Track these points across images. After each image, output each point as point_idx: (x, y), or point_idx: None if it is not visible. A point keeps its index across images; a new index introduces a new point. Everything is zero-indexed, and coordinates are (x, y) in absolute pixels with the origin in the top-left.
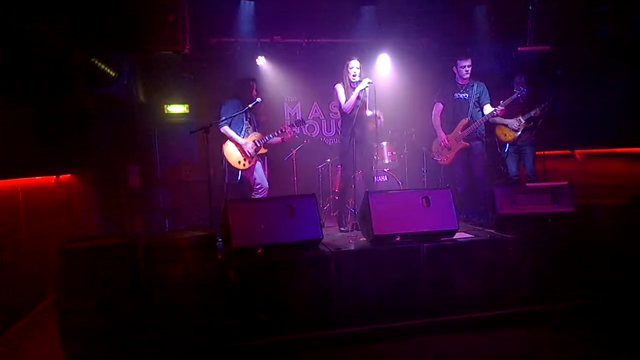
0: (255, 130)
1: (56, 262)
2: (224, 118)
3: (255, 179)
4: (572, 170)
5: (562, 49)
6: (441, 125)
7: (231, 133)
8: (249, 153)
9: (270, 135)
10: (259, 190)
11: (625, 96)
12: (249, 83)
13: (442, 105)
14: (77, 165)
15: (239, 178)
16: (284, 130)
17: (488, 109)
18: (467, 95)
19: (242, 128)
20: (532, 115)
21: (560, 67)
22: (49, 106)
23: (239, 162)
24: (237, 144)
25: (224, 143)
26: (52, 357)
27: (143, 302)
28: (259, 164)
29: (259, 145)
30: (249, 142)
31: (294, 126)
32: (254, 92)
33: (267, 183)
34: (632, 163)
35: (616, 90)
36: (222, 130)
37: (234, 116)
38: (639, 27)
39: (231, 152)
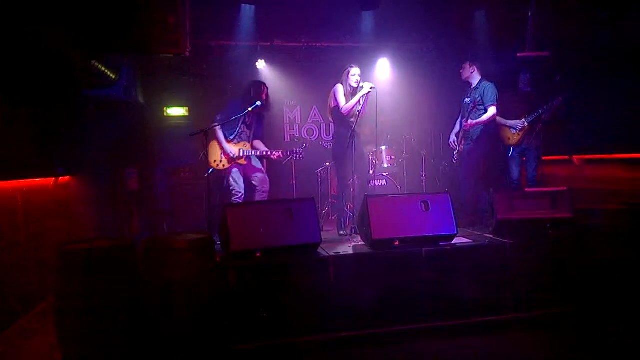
0: (255, 137)
1: (54, 264)
2: (219, 118)
3: (229, 181)
4: (570, 175)
5: (561, 55)
6: (453, 129)
7: (219, 135)
8: (230, 156)
9: (262, 151)
10: (237, 196)
11: (623, 102)
12: (260, 87)
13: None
14: (76, 167)
15: (209, 172)
16: (273, 154)
17: (492, 111)
18: (469, 100)
19: (235, 130)
20: (536, 116)
21: (559, 73)
22: (49, 108)
23: (214, 161)
24: (221, 147)
25: (212, 140)
26: (50, 358)
27: (141, 304)
28: (235, 170)
29: (241, 155)
30: (233, 148)
31: (285, 154)
32: (263, 97)
33: (243, 189)
34: (629, 169)
35: (615, 97)
36: (214, 130)
37: (232, 120)
38: (638, 34)
39: (212, 151)
